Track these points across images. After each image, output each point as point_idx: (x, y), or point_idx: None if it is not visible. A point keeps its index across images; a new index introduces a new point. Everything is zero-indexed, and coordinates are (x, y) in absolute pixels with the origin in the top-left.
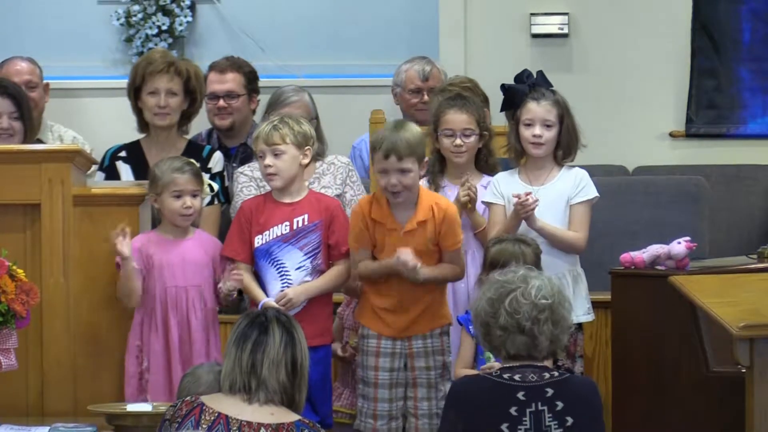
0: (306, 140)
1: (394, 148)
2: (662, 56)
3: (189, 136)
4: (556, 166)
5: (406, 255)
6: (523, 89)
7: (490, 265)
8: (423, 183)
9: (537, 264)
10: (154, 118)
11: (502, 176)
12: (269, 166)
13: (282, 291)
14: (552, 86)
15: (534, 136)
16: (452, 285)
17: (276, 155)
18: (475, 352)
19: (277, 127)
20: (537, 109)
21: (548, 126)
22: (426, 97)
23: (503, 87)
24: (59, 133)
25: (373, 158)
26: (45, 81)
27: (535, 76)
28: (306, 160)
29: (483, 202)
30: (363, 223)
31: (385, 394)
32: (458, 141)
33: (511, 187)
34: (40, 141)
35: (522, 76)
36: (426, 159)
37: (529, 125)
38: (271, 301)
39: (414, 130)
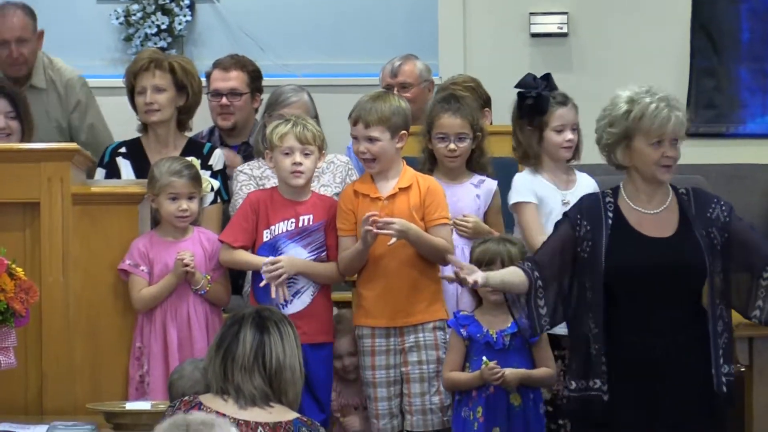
0: (324, 143)
1: (361, 116)
2: (661, 56)
3: (190, 134)
4: (571, 170)
5: (373, 218)
6: (547, 95)
7: (476, 264)
8: None
9: None
10: (144, 116)
11: (525, 177)
12: (299, 164)
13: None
14: (554, 88)
15: (567, 140)
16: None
17: (306, 155)
18: (466, 354)
19: (308, 127)
20: (567, 113)
21: (574, 129)
22: (395, 92)
23: (523, 95)
24: (51, 76)
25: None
26: (39, 29)
27: (544, 79)
28: (321, 163)
29: (511, 205)
30: (347, 201)
31: (383, 393)
32: (452, 146)
33: (541, 190)
34: (33, 87)
35: (529, 80)
36: (404, 132)
37: (560, 131)
38: (267, 260)
39: (393, 102)
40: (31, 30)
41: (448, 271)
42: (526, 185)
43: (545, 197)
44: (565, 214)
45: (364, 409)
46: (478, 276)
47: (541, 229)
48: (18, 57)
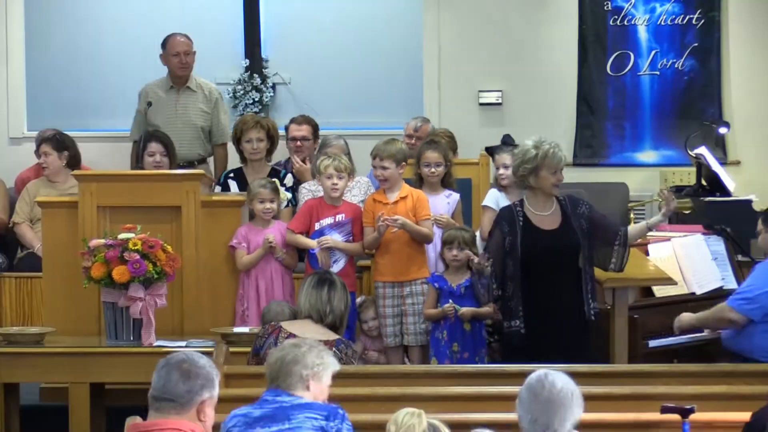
0: (352, 171)
1: (378, 153)
2: (558, 117)
3: (272, 163)
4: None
5: (383, 218)
6: (491, 149)
7: (443, 243)
8: None
9: (474, 244)
10: (250, 156)
11: (495, 192)
12: (336, 184)
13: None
14: (513, 143)
15: (499, 175)
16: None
17: (340, 178)
18: (437, 299)
19: (341, 161)
20: (498, 158)
21: (506, 167)
22: (413, 141)
23: (487, 150)
24: (200, 84)
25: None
26: (194, 50)
27: (505, 140)
28: (350, 183)
29: (483, 206)
30: (369, 205)
31: (390, 321)
32: (433, 170)
33: (502, 202)
34: (189, 89)
35: (502, 139)
36: (404, 163)
37: (498, 168)
38: (322, 239)
39: (398, 145)
40: (192, 47)
41: (429, 249)
42: (494, 197)
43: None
44: (495, 223)
45: (379, 352)
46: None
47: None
48: (186, 63)
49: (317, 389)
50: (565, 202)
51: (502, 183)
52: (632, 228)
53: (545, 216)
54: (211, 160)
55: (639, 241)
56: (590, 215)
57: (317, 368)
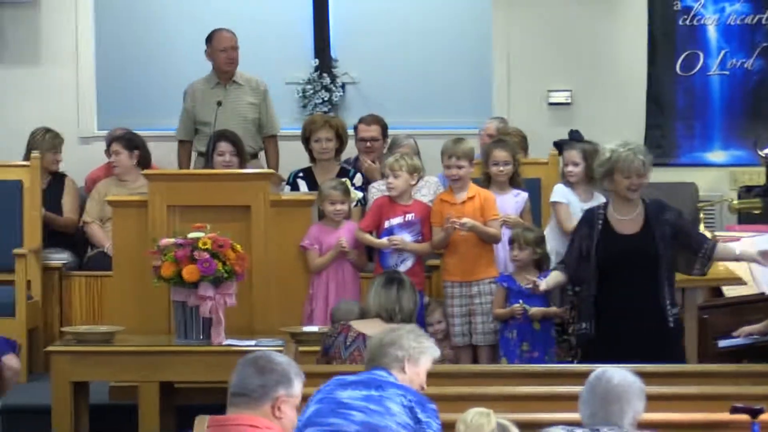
0: (415, 169)
1: (452, 153)
2: (628, 116)
3: (341, 161)
4: (591, 189)
5: (452, 219)
6: (559, 144)
7: (510, 242)
8: None
9: (539, 244)
10: (319, 155)
11: (563, 188)
12: (390, 182)
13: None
14: (581, 139)
15: (568, 171)
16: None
17: (396, 177)
18: (506, 298)
19: (398, 160)
20: (566, 155)
21: (575, 164)
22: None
23: (555, 144)
24: (246, 77)
25: (443, 158)
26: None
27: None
28: (413, 182)
29: (552, 202)
30: (437, 206)
31: (458, 321)
32: (501, 168)
33: (570, 197)
34: (235, 83)
35: (570, 135)
36: (474, 160)
37: (566, 165)
38: (393, 238)
39: (467, 143)
40: (237, 42)
41: (498, 248)
42: (562, 192)
43: (571, 202)
44: (577, 225)
45: (454, 350)
46: (543, 285)
47: (570, 218)
48: (232, 58)
49: (413, 372)
50: (651, 206)
51: (570, 179)
52: (722, 247)
53: (626, 220)
54: (262, 155)
55: None
56: (676, 222)
57: (413, 351)
